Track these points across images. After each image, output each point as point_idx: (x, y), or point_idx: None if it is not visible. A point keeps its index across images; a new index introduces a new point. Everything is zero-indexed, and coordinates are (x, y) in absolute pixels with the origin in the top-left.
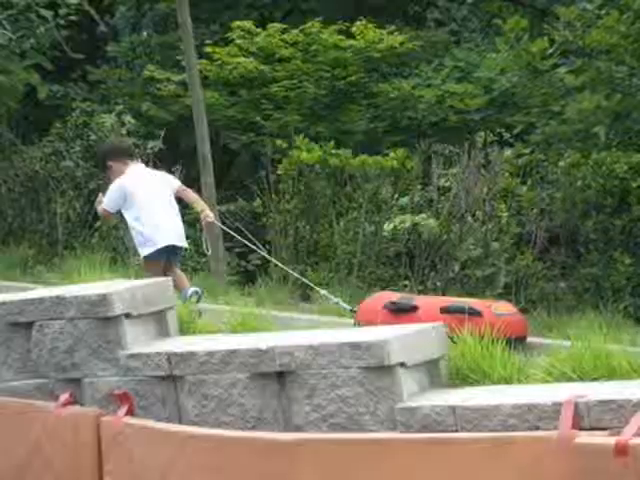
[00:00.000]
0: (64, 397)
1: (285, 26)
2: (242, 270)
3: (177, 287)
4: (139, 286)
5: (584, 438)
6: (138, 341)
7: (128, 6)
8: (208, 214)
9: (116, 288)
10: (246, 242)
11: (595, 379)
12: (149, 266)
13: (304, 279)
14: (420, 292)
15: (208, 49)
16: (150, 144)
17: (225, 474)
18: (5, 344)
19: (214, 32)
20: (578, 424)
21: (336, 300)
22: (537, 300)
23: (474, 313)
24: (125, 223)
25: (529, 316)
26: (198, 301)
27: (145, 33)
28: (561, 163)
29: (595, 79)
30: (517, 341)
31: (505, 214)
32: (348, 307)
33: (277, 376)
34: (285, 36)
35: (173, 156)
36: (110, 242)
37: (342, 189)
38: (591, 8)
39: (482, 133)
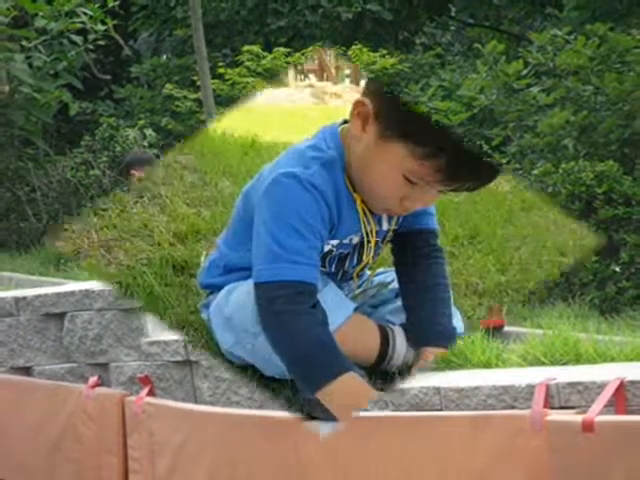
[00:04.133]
0: (93, 380)
1: (289, 50)
2: None
3: None
4: None
5: (554, 416)
6: (158, 330)
7: (149, 32)
8: None
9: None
10: None
11: (564, 364)
12: None
13: None
14: None
15: (220, 70)
16: None
17: (235, 449)
18: (40, 333)
19: (226, 55)
20: (549, 404)
21: None
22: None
23: None
24: None
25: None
26: None
27: (165, 56)
28: (534, 172)
29: (564, 97)
30: (495, 330)
31: None
32: None
33: None
34: (289, 59)
35: None
36: None
37: None
38: (561, 34)
39: None
